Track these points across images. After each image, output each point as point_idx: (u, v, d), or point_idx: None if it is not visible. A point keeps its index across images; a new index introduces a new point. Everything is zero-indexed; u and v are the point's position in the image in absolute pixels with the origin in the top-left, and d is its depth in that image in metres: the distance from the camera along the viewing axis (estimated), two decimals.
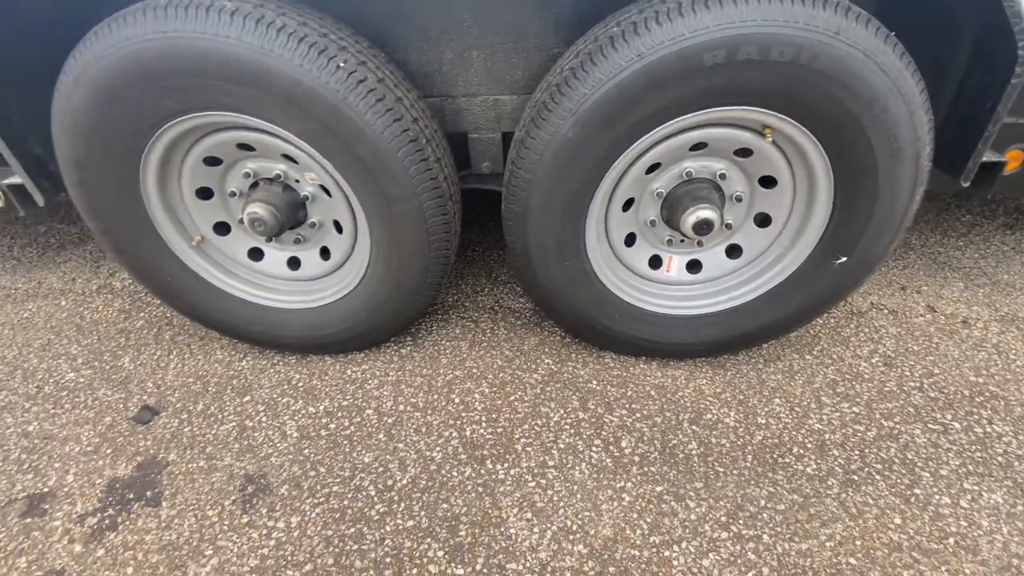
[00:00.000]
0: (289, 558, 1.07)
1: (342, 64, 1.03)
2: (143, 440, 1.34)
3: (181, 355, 1.61)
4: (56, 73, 1.13)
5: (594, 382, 1.46)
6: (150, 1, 1.00)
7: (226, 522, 1.14)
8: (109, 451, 1.32)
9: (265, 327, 1.47)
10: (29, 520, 1.17)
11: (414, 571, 1.04)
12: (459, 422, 1.36)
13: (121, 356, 1.63)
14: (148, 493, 1.21)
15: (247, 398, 1.45)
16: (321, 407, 1.42)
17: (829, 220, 1.18)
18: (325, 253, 1.44)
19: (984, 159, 1.15)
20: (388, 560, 1.06)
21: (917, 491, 1.17)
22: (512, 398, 1.43)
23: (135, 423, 1.39)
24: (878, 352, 1.54)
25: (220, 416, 1.40)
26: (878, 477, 1.19)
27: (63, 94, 1.08)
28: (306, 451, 1.30)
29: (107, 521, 1.16)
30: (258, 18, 0.99)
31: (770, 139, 1.11)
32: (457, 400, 1.43)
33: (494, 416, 1.37)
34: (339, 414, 1.39)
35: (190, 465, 1.27)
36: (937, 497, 1.16)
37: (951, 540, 1.08)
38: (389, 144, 1.10)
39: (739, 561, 1.04)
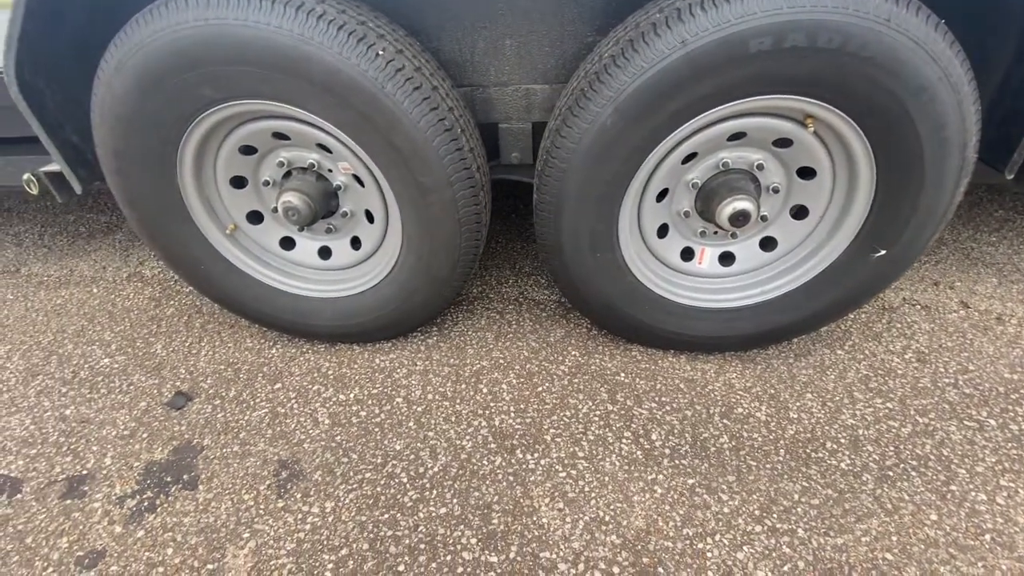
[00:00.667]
0: (325, 542, 1.08)
1: (381, 52, 1.03)
2: (178, 425, 1.37)
3: (212, 342, 1.64)
4: (91, 61, 1.14)
5: (622, 374, 1.46)
6: None
7: (262, 506, 1.16)
8: (145, 435, 1.34)
9: (296, 315, 1.49)
10: (69, 501, 1.20)
11: (448, 558, 1.05)
12: (488, 412, 1.36)
13: (153, 343, 1.66)
14: (185, 477, 1.23)
15: (278, 385, 1.47)
16: (351, 395, 1.43)
17: (869, 212, 1.16)
18: (356, 243, 1.45)
19: None
20: (422, 546, 1.07)
21: (953, 487, 1.15)
22: (540, 389, 1.43)
23: (170, 408, 1.42)
24: (911, 348, 1.51)
25: (252, 403, 1.42)
26: (913, 473, 1.18)
27: (104, 82, 1.10)
28: (338, 438, 1.31)
29: (146, 503, 1.18)
30: (298, 5, 0.99)
31: (812, 129, 1.09)
32: (485, 390, 1.43)
33: (522, 406, 1.38)
34: (369, 402, 1.41)
35: (225, 450, 1.29)
36: (973, 494, 1.14)
37: (987, 536, 1.06)
38: (425, 133, 1.10)
39: (774, 555, 1.03)
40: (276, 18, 0.99)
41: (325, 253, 1.48)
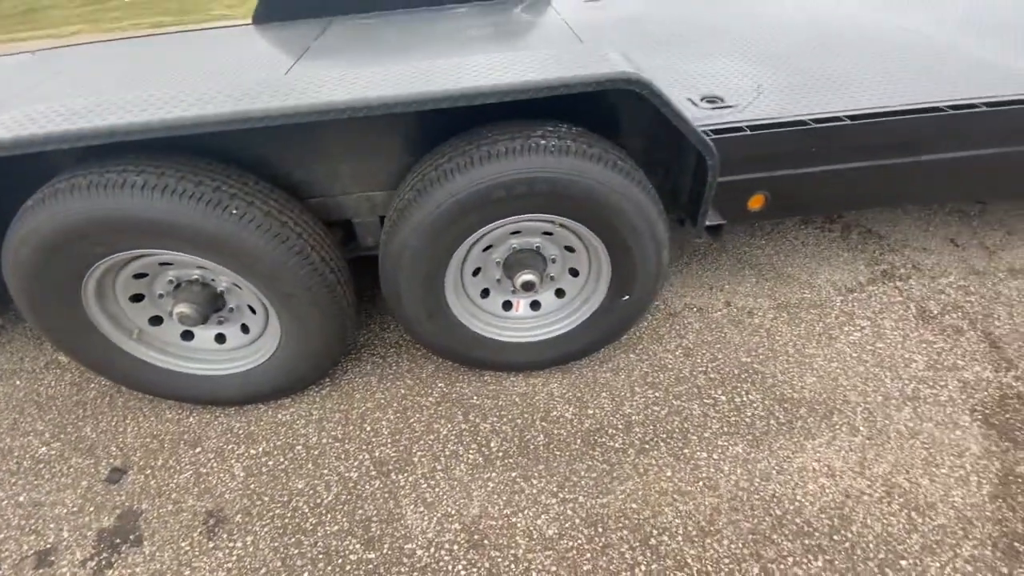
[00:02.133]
0: (248, 567, 1.49)
1: (234, 211, 1.39)
2: (118, 496, 1.70)
3: (135, 418, 1.95)
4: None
5: (475, 398, 1.92)
6: (74, 179, 1.31)
7: (197, 549, 1.54)
8: (92, 508, 1.67)
9: (204, 391, 1.83)
10: (41, 571, 1.52)
11: (339, 561, 1.49)
12: (370, 446, 1.79)
13: (82, 426, 1.94)
14: (131, 536, 1.59)
15: (198, 449, 1.82)
16: (260, 448, 1.81)
17: (611, 273, 1.66)
18: (245, 329, 1.80)
19: (708, 222, 1.66)
20: (321, 556, 1.50)
21: (686, 451, 1.71)
22: (412, 420, 1.87)
23: (108, 483, 1.74)
24: (682, 345, 2.08)
25: (178, 467, 1.77)
26: (662, 444, 1.73)
27: (11, 249, 1.38)
28: (252, 486, 1.70)
29: (103, 562, 1.53)
30: (163, 187, 1.33)
31: (559, 226, 1.57)
32: (368, 428, 1.86)
33: (397, 437, 1.82)
34: (275, 452, 1.79)
35: (160, 510, 1.65)
36: (698, 453, 1.70)
37: (700, 483, 1.62)
38: (280, 260, 1.48)
39: (560, 518, 1.55)
40: (146, 200, 1.32)
41: (221, 339, 1.82)
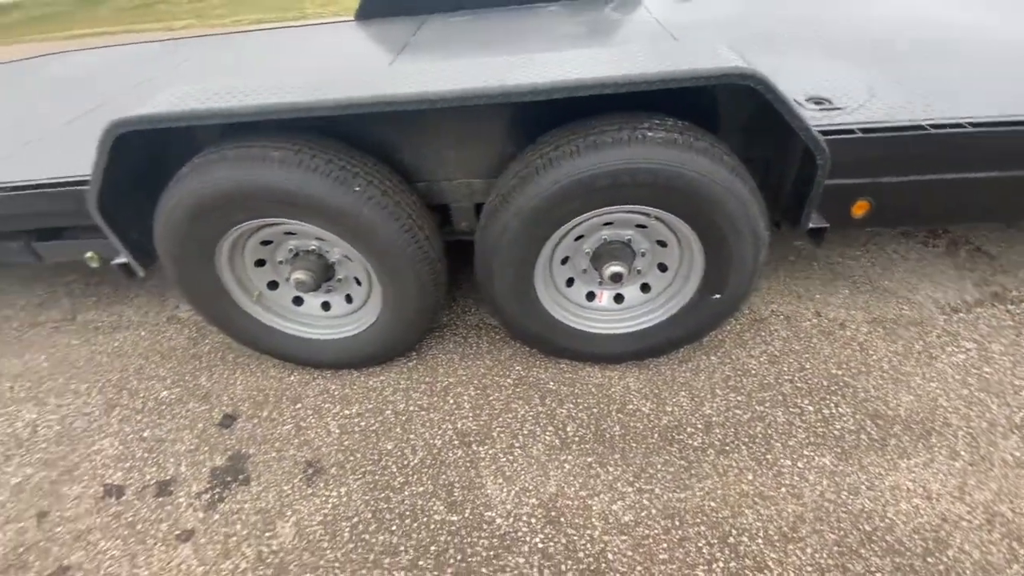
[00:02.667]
0: (342, 514, 1.62)
1: (357, 188, 1.51)
2: (228, 439, 1.89)
3: (244, 373, 2.15)
4: (146, 189, 1.62)
5: (551, 383, 1.98)
6: (224, 152, 1.48)
7: (297, 493, 1.69)
8: (206, 449, 1.86)
9: (307, 353, 2.00)
10: (162, 499, 1.72)
11: (424, 519, 1.58)
12: (452, 417, 1.89)
13: (199, 376, 2.16)
14: (240, 476, 1.76)
15: (298, 405, 1.99)
16: (353, 410, 1.95)
17: (704, 271, 1.66)
18: (349, 299, 1.95)
19: (811, 225, 1.62)
20: (407, 513, 1.60)
21: (769, 456, 1.68)
22: (491, 398, 1.95)
23: (220, 427, 1.93)
24: (767, 352, 2.03)
25: (280, 419, 1.94)
26: (743, 447, 1.71)
27: (166, 212, 1.58)
28: (346, 442, 1.83)
29: (216, 496, 1.71)
30: (298, 163, 1.47)
31: (654, 219, 1.59)
32: (451, 401, 1.95)
33: (478, 412, 1.90)
34: (366, 414, 1.93)
35: (265, 456, 1.82)
36: (782, 460, 1.67)
37: (783, 489, 1.60)
38: (392, 236, 1.59)
39: (636, 506, 1.57)
40: (284, 173, 1.47)
41: (326, 306, 1.98)
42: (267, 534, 1.59)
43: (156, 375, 2.19)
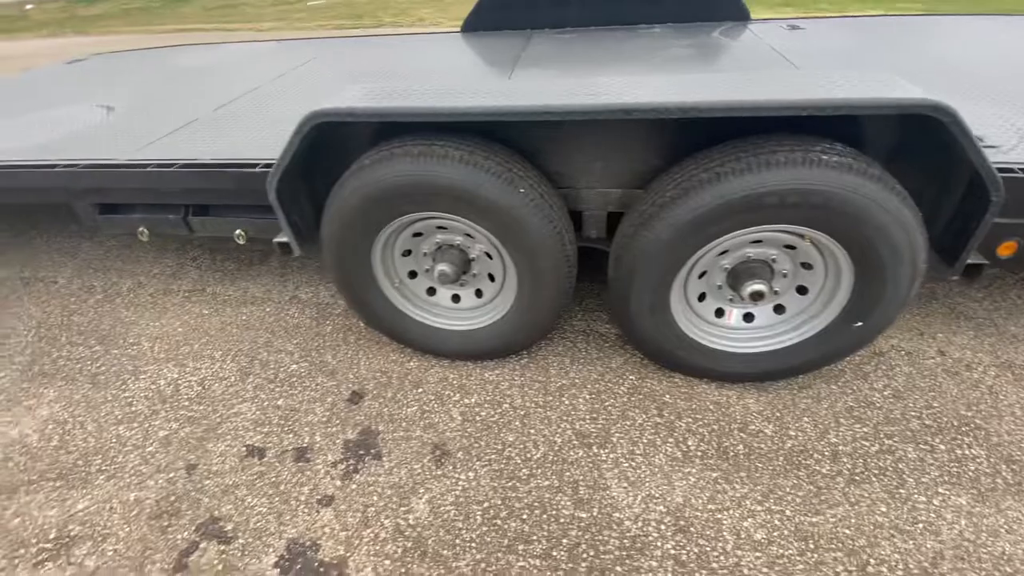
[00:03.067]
0: (472, 497, 1.68)
1: (522, 190, 1.60)
2: (358, 415, 2.00)
3: (366, 354, 2.27)
4: (310, 180, 1.76)
5: (667, 396, 2.00)
6: (407, 147, 1.60)
7: (427, 472, 1.77)
8: (338, 422, 1.98)
9: (433, 341, 2.09)
10: (301, 464, 1.84)
11: (553, 512, 1.63)
12: (570, 418, 1.94)
13: (324, 353, 2.30)
14: (372, 451, 1.86)
15: (420, 389, 2.08)
16: (472, 399, 2.03)
17: (849, 297, 1.66)
18: (479, 293, 2.04)
19: (970, 260, 1.60)
20: (536, 504, 1.65)
21: (902, 491, 1.65)
22: (607, 403, 1.99)
23: (349, 403, 2.05)
24: (890, 386, 2.00)
25: (405, 401, 2.04)
26: (874, 479, 1.69)
27: (342, 198, 1.71)
28: (468, 430, 1.91)
29: (351, 468, 1.81)
30: (474, 163, 1.57)
31: (808, 241, 1.61)
32: (567, 402, 2.00)
33: (595, 416, 1.94)
34: (485, 405, 2.00)
35: (394, 434, 1.91)
36: (916, 496, 1.64)
37: (920, 524, 1.56)
38: (543, 238, 1.67)
39: (768, 525, 1.57)
40: (457, 171, 1.57)
41: (456, 299, 2.07)
42: (402, 508, 1.67)
43: (284, 349, 2.34)
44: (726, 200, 1.48)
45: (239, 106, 2.77)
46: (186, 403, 2.12)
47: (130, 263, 3.07)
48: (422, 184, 1.60)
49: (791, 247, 1.68)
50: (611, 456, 1.80)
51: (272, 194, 1.79)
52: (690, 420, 1.90)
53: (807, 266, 1.73)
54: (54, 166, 2.25)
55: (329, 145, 1.79)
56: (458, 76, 3.02)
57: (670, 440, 1.84)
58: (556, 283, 1.80)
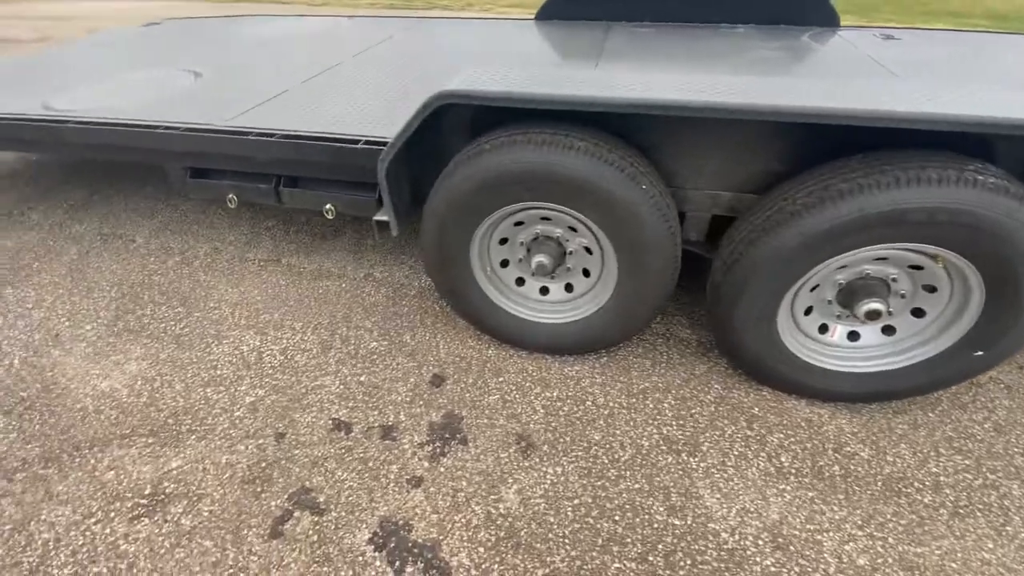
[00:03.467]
0: (562, 493, 1.67)
1: (644, 187, 1.56)
2: (440, 398, 2.00)
3: (444, 338, 2.27)
4: (412, 165, 1.74)
5: (756, 409, 1.96)
6: (530, 135, 1.57)
7: (514, 463, 1.76)
8: (421, 403, 1.98)
9: (518, 331, 2.08)
10: (387, 442, 1.85)
11: (646, 517, 1.61)
12: (656, 422, 1.91)
13: (402, 333, 2.30)
14: (458, 435, 1.86)
15: (501, 379, 2.07)
16: (554, 394, 2.01)
17: (975, 324, 1.59)
18: (568, 288, 2.01)
19: None
20: (627, 507, 1.64)
21: (1009, 528, 1.59)
22: (693, 411, 1.95)
23: (431, 385, 2.05)
24: (991, 419, 1.92)
25: (486, 389, 2.03)
26: (979, 514, 1.62)
27: (454, 182, 1.69)
28: (552, 424, 1.90)
29: (438, 450, 1.81)
30: (598, 156, 1.54)
31: (941, 264, 1.54)
32: (651, 405, 1.97)
33: (681, 422, 1.91)
34: (568, 400, 1.98)
35: (477, 420, 1.91)
36: (1023, 534, 1.58)
37: None
38: (658, 236, 1.64)
39: (871, 551, 1.53)
40: (582, 163, 1.54)
41: (544, 291, 2.05)
42: (492, 496, 1.67)
43: (363, 326, 2.35)
44: (865, 213, 1.42)
45: (326, 80, 2.78)
46: (270, 371, 2.15)
47: (206, 228, 3.12)
48: (541, 173, 1.57)
49: (917, 267, 1.62)
50: (701, 465, 1.76)
51: (382, 172, 1.79)
52: (781, 436, 1.86)
53: (930, 288, 1.66)
54: (155, 127, 2.28)
55: (428, 128, 1.78)
56: (549, 65, 2.98)
57: (762, 455, 1.80)
58: (662, 283, 1.76)
